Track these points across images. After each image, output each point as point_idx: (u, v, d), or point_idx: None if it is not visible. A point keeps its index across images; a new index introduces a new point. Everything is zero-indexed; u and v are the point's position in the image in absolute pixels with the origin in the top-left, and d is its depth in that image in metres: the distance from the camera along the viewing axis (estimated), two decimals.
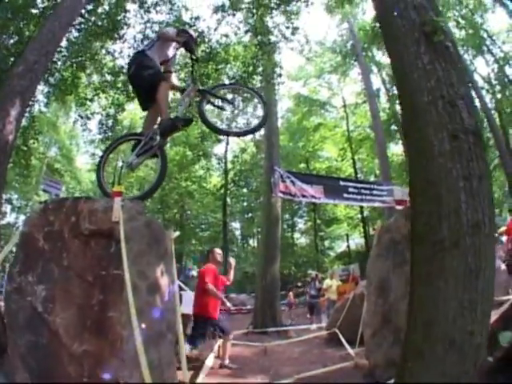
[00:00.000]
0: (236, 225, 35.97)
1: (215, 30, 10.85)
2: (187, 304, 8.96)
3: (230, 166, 29.03)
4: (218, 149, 28.53)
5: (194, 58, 4.94)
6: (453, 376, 2.37)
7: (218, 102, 4.82)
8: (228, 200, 29.22)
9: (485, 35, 23.20)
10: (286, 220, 32.06)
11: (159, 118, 4.62)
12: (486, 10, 18.21)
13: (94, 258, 3.29)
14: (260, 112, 5.52)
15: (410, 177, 3.03)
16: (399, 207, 7.09)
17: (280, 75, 12.06)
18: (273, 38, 11.04)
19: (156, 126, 4.60)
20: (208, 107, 4.83)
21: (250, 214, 33.02)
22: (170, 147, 25.22)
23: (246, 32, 11.04)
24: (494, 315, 4.71)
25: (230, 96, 5.51)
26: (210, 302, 5.97)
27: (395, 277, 4.62)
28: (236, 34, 11.25)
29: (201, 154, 21.12)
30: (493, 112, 23.13)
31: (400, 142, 23.40)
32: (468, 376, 2.38)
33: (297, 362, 6.65)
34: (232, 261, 6.87)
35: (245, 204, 33.10)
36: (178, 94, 6.06)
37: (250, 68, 11.02)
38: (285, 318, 12.91)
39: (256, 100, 5.78)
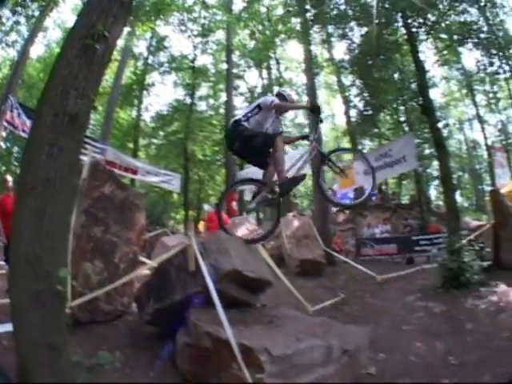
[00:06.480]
0: None
1: None
2: None
3: None
4: None
5: (320, 120, 5.62)
6: (34, 289, 3.15)
7: (334, 168, 5.40)
8: None
9: (272, 55, 26.82)
10: None
11: (276, 174, 5.17)
12: (291, 37, 20.96)
13: None
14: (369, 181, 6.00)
15: None
16: (110, 168, 8.07)
17: None
18: None
19: (277, 182, 5.24)
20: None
21: None
22: None
23: None
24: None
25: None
26: None
27: None
28: None
29: None
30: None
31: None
32: (46, 292, 3.18)
33: None
34: None
35: None
36: None
37: None
38: None
39: (366, 168, 6.22)
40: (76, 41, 3.72)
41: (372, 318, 6.80)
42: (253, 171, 19.52)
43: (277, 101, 5.37)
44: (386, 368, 5.15)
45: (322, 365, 4.33)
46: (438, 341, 5.92)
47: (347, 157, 17.76)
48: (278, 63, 28.33)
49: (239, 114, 5.65)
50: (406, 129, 19.90)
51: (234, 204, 18.62)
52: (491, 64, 13.63)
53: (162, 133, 28.16)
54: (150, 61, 27.45)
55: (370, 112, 14.92)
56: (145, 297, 5.67)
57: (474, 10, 11.67)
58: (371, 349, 5.49)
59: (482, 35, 11.78)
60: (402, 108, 19.54)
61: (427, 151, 19.86)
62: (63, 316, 3.49)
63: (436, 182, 24.92)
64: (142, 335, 5.75)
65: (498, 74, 17.10)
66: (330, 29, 14.42)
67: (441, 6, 11.31)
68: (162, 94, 43.73)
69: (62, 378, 3.04)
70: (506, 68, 19.32)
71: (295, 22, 16.56)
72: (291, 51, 28.76)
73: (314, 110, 5.49)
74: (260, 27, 25.39)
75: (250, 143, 5.16)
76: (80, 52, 3.64)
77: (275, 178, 5.32)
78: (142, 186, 22.82)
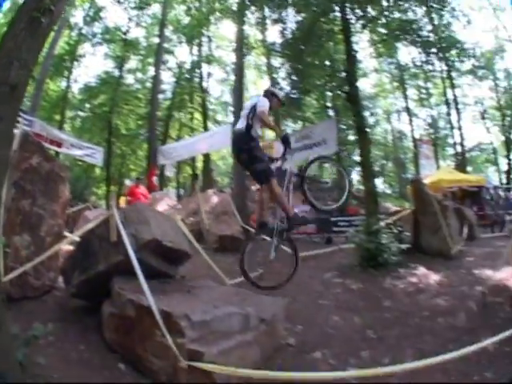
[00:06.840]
0: None
1: None
2: None
3: None
4: None
5: (289, 148, 5.98)
6: None
7: (316, 184, 5.19)
8: None
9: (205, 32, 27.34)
10: None
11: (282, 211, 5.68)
12: (226, 16, 20.53)
13: None
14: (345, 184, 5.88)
15: None
16: (41, 141, 7.80)
17: None
18: None
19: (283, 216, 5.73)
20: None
21: None
22: None
23: None
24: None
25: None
26: None
27: None
28: None
29: None
30: None
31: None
32: None
33: None
34: None
35: None
36: None
37: None
38: None
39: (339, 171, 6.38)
40: (24, 14, 3.76)
41: (289, 293, 6.96)
42: (175, 147, 19.58)
43: (265, 112, 5.80)
44: (304, 340, 5.48)
45: (240, 332, 4.57)
46: (355, 316, 6.28)
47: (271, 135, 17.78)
48: (209, 41, 28.36)
49: (241, 121, 5.87)
50: (332, 114, 20.51)
51: (155, 179, 18.47)
52: (427, 62, 14.25)
53: (88, 105, 27.19)
54: (84, 31, 26.78)
55: (297, 95, 15.18)
56: (70, 269, 5.67)
57: (419, 10, 12.05)
58: (289, 321, 5.79)
59: (422, 33, 12.13)
60: (329, 94, 20.06)
61: (352, 137, 20.60)
62: None
63: (359, 168, 26.16)
64: (70, 309, 5.77)
65: (434, 71, 18.02)
66: (267, 12, 14.40)
67: (385, 3, 11.59)
68: (92, 65, 42.03)
69: (5, 351, 3.12)
70: (444, 68, 20.60)
71: (232, 1, 16.49)
72: (224, 30, 28.84)
73: (284, 141, 6.00)
74: (197, 4, 25.20)
75: (252, 164, 5.52)
76: (26, 25, 3.67)
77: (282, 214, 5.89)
78: (66, 159, 22.07)
